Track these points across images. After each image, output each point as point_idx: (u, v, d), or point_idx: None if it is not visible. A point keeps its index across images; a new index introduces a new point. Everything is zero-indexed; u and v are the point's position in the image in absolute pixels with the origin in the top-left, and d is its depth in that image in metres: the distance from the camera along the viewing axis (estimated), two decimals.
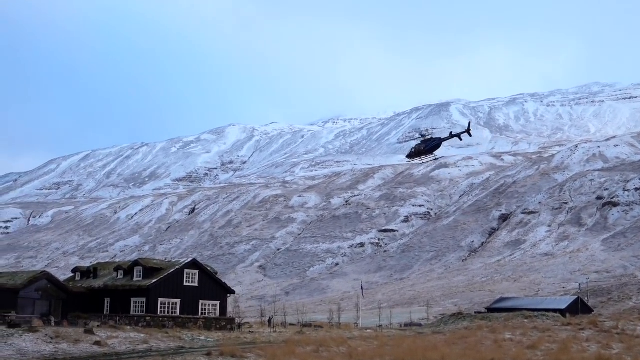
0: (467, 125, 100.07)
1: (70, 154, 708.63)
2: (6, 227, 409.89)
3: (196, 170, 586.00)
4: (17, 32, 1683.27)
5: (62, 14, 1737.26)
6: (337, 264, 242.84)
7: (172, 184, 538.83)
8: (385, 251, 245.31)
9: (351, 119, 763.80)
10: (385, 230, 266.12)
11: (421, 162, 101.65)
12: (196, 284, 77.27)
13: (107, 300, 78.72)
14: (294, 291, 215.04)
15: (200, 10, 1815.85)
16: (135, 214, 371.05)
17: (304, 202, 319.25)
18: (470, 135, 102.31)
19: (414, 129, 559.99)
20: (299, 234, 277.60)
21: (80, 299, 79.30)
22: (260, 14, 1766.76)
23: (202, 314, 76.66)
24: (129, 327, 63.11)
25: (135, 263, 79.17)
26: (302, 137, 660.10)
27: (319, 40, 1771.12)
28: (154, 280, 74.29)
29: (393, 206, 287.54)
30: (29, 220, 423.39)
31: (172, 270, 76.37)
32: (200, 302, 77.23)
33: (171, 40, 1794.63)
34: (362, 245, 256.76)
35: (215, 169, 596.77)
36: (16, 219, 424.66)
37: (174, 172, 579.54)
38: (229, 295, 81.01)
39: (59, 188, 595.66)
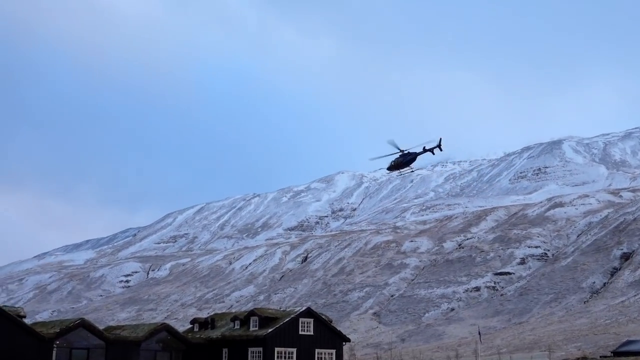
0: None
1: (185, 208, 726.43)
2: (127, 281, 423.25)
3: (307, 219, 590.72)
4: (134, 95, 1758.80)
5: (172, 75, 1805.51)
6: (452, 309, 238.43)
7: (284, 233, 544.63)
8: (502, 295, 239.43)
9: (460, 161, 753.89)
10: (501, 273, 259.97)
11: (400, 174, 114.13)
12: (311, 333, 77.34)
13: (224, 351, 79.74)
14: (410, 337, 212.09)
15: (306, 61, 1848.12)
16: (250, 264, 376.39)
17: (416, 247, 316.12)
18: (441, 150, 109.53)
19: (526, 169, 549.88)
20: (412, 280, 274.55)
21: (199, 350, 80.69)
22: (364, 60, 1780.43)
23: None
24: None
25: (251, 313, 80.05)
26: (412, 181, 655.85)
27: (424, 84, 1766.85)
28: (270, 330, 74.83)
29: (508, 248, 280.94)
30: (148, 273, 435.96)
31: (287, 320, 76.77)
32: (316, 350, 77.15)
33: (279, 93, 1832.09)
34: (477, 289, 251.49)
35: (326, 216, 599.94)
36: (136, 272, 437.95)
37: (286, 222, 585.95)
38: (344, 343, 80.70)
39: (175, 241, 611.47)
